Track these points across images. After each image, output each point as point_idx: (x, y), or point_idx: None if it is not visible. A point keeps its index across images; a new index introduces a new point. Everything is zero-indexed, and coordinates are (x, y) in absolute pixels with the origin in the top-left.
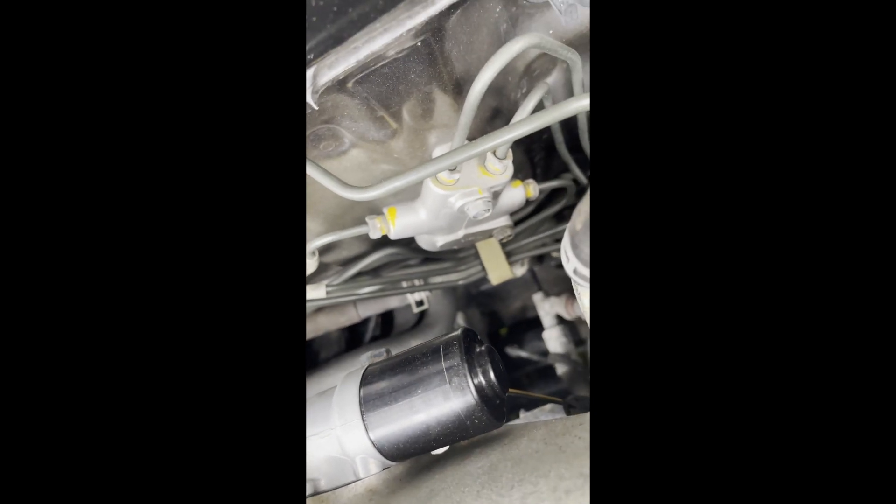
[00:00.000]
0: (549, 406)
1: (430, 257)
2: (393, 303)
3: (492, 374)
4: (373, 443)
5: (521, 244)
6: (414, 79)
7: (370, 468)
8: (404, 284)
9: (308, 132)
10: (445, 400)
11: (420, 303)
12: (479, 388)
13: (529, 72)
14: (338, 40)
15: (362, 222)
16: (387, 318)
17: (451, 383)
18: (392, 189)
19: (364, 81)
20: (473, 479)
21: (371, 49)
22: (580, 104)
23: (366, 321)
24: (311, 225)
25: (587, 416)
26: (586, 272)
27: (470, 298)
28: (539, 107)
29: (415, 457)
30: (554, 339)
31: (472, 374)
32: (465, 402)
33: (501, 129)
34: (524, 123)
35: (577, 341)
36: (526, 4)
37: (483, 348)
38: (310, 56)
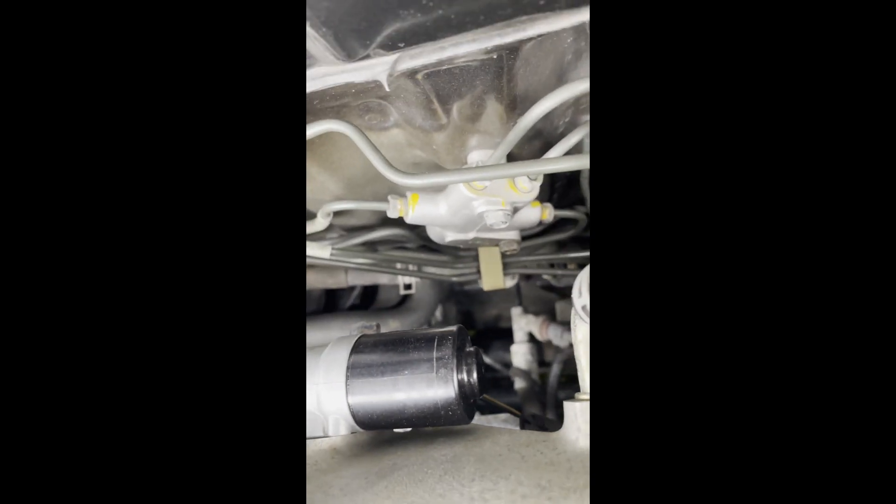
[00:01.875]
0: (504, 415)
1: (429, 246)
2: (382, 279)
3: (475, 374)
4: (349, 406)
5: (518, 259)
6: (477, 85)
7: (340, 429)
8: (398, 266)
9: (359, 102)
10: (428, 386)
11: (408, 286)
12: (460, 384)
13: (577, 104)
14: (431, 37)
15: (380, 196)
16: (370, 291)
17: (438, 373)
18: (432, 183)
19: (433, 76)
20: (437, 464)
21: (455, 52)
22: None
23: (349, 289)
24: (331, 185)
25: (551, 434)
26: None
27: (452, 293)
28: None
29: (381, 429)
30: (520, 355)
31: (459, 369)
32: (445, 393)
33: (541, 160)
34: (561, 161)
35: (540, 362)
36: None
37: (472, 349)
38: (401, 44)
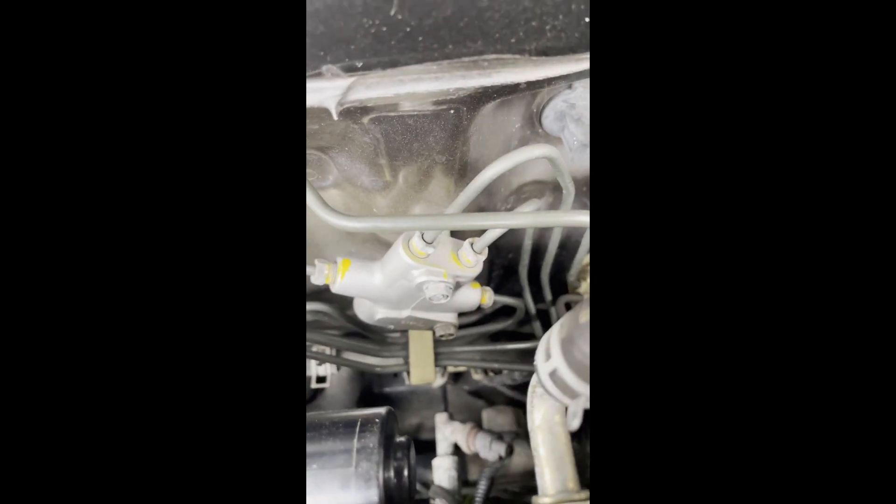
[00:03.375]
0: None
1: (353, 332)
2: None
3: (406, 473)
4: None
5: (451, 350)
6: (430, 142)
7: None
8: (314, 349)
9: None
10: (342, 487)
11: (322, 379)
12: (387, 485)
13: (519, 191)
14: (393, 61)
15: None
16: None
17: (358, 468)
18: (378, 227)
19: (384, 122)
20: None
21: (415, 88)
22: (582, 219)
23: None
24: None
25: None
26: (570, 379)
27: (369, 396)
28: None
29: None
30: (443, 471)
31: (386, 465)
32: (365, 497)
33: (500, 213)
34: (525, 216)
35: (465, 481)
36: (541, 133)
37: (403, 439)
38: (358, 63)
